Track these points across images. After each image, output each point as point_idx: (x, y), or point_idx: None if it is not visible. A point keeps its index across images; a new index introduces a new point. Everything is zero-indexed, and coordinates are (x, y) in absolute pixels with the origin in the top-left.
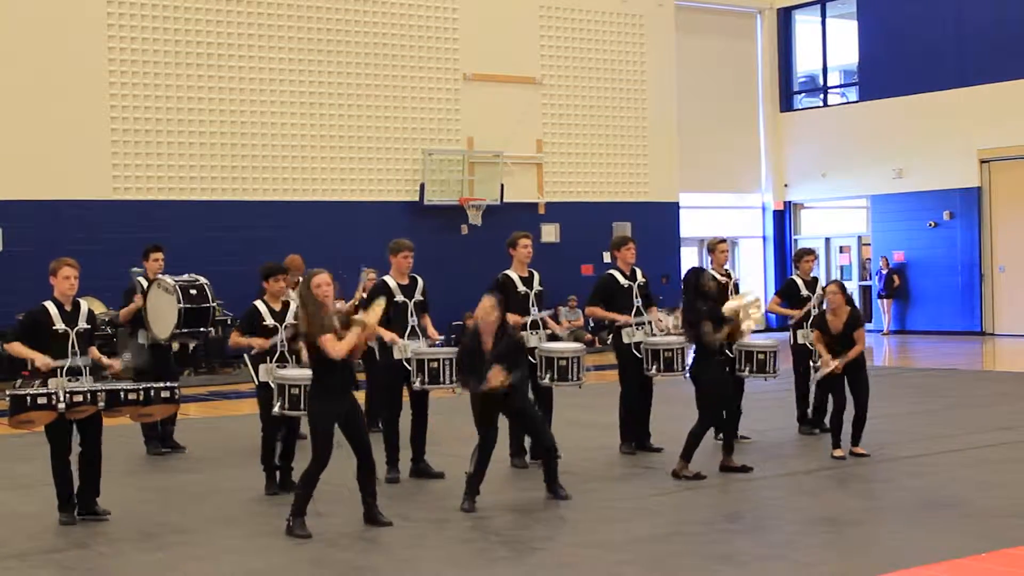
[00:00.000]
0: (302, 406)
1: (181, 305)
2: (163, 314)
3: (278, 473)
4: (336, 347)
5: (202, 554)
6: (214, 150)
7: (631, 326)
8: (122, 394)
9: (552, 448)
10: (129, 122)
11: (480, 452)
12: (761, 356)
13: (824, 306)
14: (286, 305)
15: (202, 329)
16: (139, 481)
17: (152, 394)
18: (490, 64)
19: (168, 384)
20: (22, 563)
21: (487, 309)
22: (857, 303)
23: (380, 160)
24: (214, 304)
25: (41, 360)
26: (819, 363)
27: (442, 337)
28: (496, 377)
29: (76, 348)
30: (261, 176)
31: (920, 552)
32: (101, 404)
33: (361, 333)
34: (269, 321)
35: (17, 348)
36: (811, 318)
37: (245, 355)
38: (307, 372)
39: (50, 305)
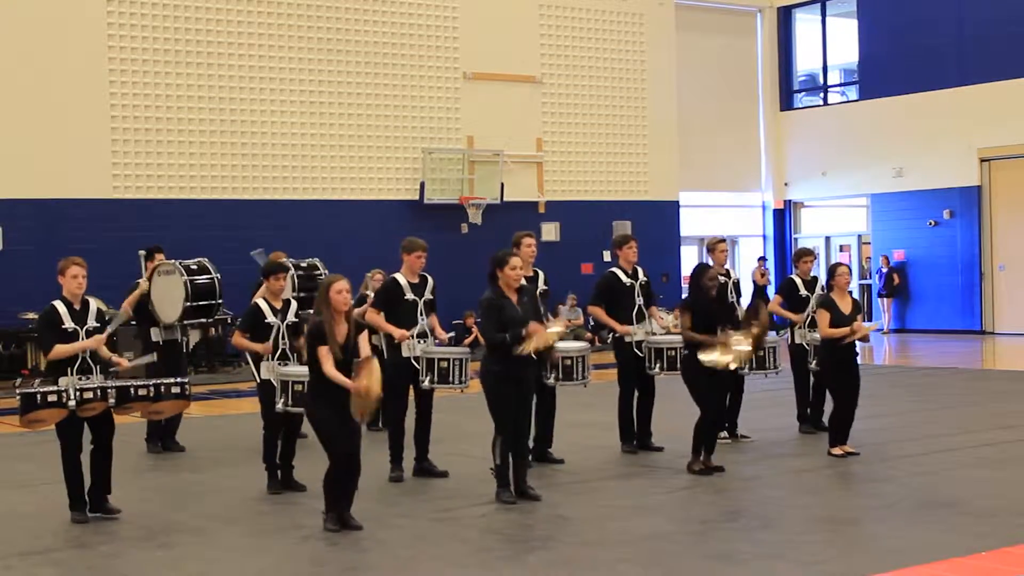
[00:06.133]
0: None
1: (186, 278)
2: (170, 296)
3: (279, 471)
4: (327, 366)
5: (203, 553)
6: (214, 149)
7: (631, 335)
8: (132, 390)
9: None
10: (129, 121)
11: (503, 443)
12: (760, 352)
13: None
14: (287, 303)
15: (215, 302)
16: (140, 480)
17: (163, 390)
18: (490, 63)
19: (179, 380)
20: (22, 562)
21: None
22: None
23: (380, 159)
24: (218, 276)
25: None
26: (815, 363)
27: (452, 333)
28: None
29: None
30: (261, 175)
31: (920, 551)
32: (111, 401)
33: (356, 381)
34: (270, 319)
35: (60, 350)
36: (809, 318)
37: (247, 353)
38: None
39: (59, 304)
